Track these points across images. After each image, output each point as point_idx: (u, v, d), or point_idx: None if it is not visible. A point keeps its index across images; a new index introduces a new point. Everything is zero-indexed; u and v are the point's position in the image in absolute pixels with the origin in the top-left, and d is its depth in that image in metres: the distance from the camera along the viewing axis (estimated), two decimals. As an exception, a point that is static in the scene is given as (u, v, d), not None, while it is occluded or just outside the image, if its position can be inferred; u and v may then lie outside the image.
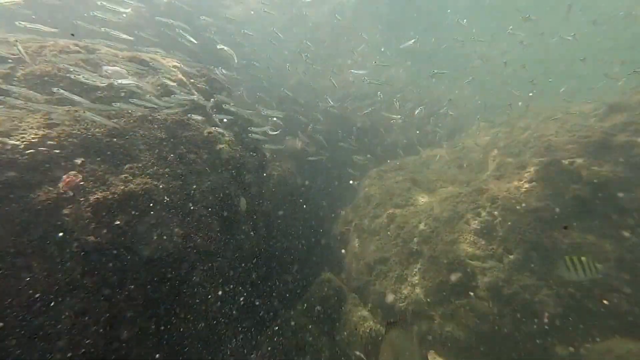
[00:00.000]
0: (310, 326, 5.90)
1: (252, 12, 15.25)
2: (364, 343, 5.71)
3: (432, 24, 18.56)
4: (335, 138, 11.19)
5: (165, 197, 3.96)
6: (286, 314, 6.09)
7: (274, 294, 6.67)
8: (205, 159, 4.81)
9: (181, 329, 4.18)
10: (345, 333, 5.91)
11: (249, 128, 6.42)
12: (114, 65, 4.70)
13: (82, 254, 3.20)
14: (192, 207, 4.33)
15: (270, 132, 7.26)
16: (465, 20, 12.69)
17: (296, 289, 6.92)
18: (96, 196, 3.45)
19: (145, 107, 4.40)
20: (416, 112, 9.09)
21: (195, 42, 6.88)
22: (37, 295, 2.94)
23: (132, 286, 3.58)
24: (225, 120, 5.93)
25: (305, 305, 6.22)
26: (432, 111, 12.58)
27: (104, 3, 5.32)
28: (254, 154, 6.41)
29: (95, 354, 3.29)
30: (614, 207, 5.23)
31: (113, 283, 3.41)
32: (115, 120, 4.06)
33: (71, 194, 3.31)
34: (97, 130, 3.84)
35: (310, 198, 9.42)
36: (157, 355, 3.81)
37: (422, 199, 7.55)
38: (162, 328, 3.94)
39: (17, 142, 3.23)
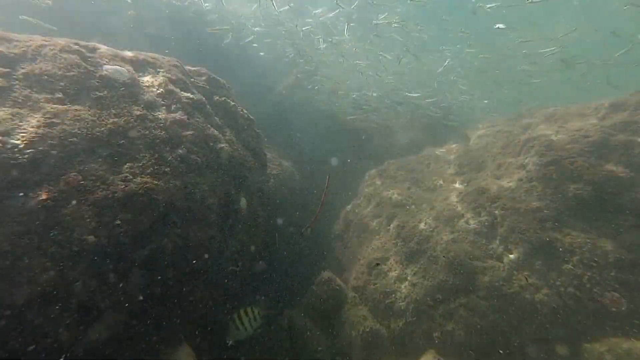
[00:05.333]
0: (310, 325, 5.91)
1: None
2: (363, 342, 5.71)
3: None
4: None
5: (166, 197, 3.96)
6: (286, 312, 6.10)
7: (274, 293, 6.67)
8: (205, 159, 4.80)
9: (180, 331, 4.18)
10: (345, 332, 5.92)
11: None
12: (114, 64, 4.68)
13: (82, 253, 3.20)
14: (192, 207, 4.32)
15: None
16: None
17: (296, 288, 6.92)
18: (96, 195, 3.44)
19: None
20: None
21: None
22: (36, 295, 2.93)
23: (132, 286, 3.58)
24: None
25: (305, 304, 6.23)
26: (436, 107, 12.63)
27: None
28: (254, 153, 6.40)
29: (95, 354, 3.29)
30: (614, 207, 5.23)
31: (113, 283, 3.40)
32: (114, 120, 4.05)
33: (72, 193, 3.30)
34: (97, 129, 3.83)
35: (310, 197, 9.43)
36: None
37: (422, 198, 7.55)
38: (159, 329, 3.94)
39: (18, 142, 3.22)
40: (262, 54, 12.94)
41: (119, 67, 4.61)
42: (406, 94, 12.54)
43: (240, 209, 5.36)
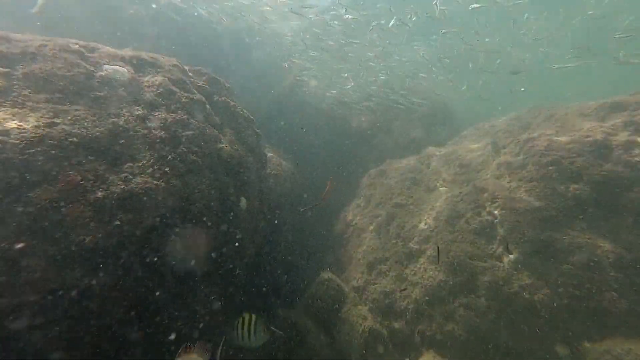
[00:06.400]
0: (309, 325, 5.91)
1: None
2: (363, 342, 5.71)
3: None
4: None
5: (165, 197, 3.96)
6: (286, 312, 6.10)
7: (274, 292, 6.67)
8: (205, 159, 4.80)
9: (179, 335, 4.18)
10: (344, 332, 5.92)
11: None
12: (114, 64, 4.68)
13: (81, 254, 3.19)
14: (192, 207, 4.32)
15: None
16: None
17: (296, 288, 6.92)
18: (96, 195, 3.44)
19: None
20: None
21: None
22: (35, 296, 2.93)
23: (131, 287, 3.58)
24: None
25: (305, 304, 6.23)
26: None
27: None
28: (254, 153, 6.40)
29: (94, 356, 3.29)
30: (613, 207, 5.23)
31: (112, 283, 3.40)
32: (115, 120, 4.05)
33: (71, 193, 3.30)
34: (97, 129, 3.83)
35: (310, 196, 9.43)
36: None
37: (422, 198, 7.55)
38: (157, 334, 3.94)
39: (18, 142, 3.22)
40: (260, 55, 12.93)
41: (118, 67, 4.61)
42: (403, 93, 12.55)
43: (240, 209, 5.36)
